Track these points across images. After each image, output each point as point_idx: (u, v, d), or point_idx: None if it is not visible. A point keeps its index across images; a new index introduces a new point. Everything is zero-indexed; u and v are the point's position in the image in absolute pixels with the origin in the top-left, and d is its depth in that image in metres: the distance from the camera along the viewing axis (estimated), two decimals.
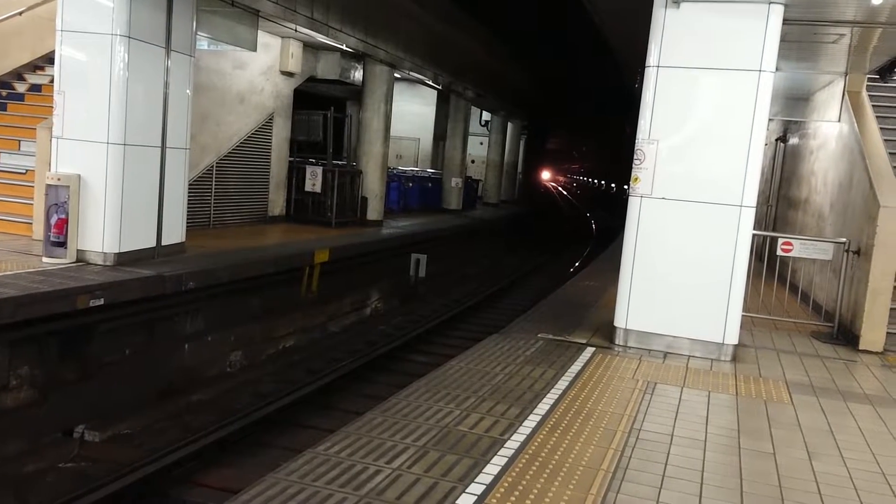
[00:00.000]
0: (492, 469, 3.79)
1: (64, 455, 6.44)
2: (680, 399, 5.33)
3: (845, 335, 7.62)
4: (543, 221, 35.83)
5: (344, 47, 13.94)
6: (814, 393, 5.78)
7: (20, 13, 10.96)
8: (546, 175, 58.49)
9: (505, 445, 4.12)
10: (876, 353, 7.20)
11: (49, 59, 10.89)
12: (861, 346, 7.27)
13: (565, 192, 75.19)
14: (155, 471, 5.92)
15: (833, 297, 7.93)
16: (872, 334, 7.26)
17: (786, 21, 6.29)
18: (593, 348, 6.58)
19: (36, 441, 6.46)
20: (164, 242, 8.76)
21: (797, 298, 9.00)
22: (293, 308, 10.59)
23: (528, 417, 4.63)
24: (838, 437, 4.79)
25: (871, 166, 7.71)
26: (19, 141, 9.94)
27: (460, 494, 3.47)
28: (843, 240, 7.73)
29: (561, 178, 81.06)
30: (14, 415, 6.50)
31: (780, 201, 12.94)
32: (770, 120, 12.53)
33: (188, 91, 9.02)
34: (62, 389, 6.95)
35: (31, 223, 8.98)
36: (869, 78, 9.55)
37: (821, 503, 3.77)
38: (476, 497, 3.46)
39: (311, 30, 12.35)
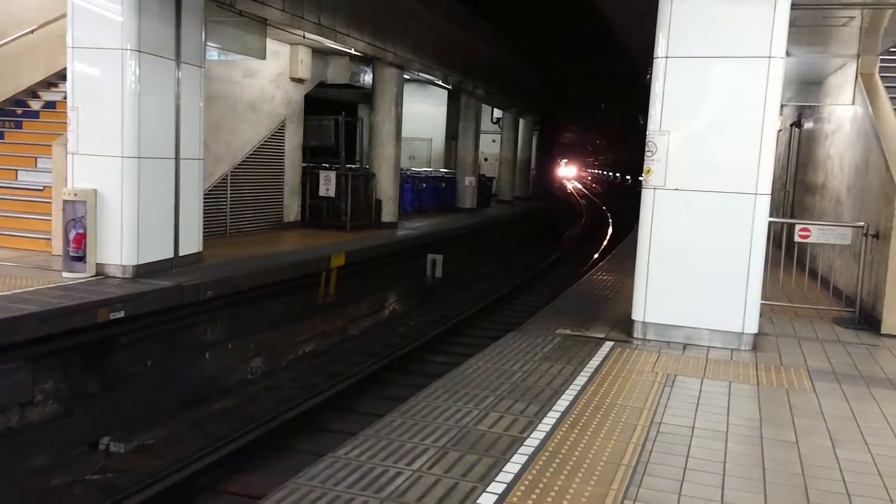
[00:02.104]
0: (512, 467, 3.79)
1: (90, 467, 6.51)
2: (700, 390, 5.30)
3: (867, 320, 7.55)
4: (559, 216, 35.74)
5: (352, 51, 13.98)
6: (836, 379, 5.73)
7: (32, 31, 11.11)
8: (560, 170, 58.32)
9: (525, 443, 4.12)
10: None
11: (62, 75, 11.01)
12: (883, 331, 7.20)
13: (580, 186, 74.96)
14: (180, 480, 5.98)
15: (853, 282, 7.86)
16: (894, 318, 7.18)
17: (794, 6, 6.23)
18: (612, 342, 6.56)
19: (62, 454, 6.54)
20: (181, 253, 8.84)
21: (817, 284, 8.91)
22: (312, 313, 10.64)
23: (548, 414, 4.63)
24: (862, 424, 4.75)
25: (887, 148, 7.63)
26: (36, 158, 10.07)
27: (481, 494, 3.48)
28: (862, 224, 7.65)
29: (575, 173, 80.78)
30: (40, 429, 6.59)
31: (796, 187, 12.83)
32: (783, 105, 12.49)
33: (200, 102, 9.09)
34: (86, 403, 7.04)
35: (49, 239, 9.09)
36: (882, 59, 9.45)
37: (845, 490, 3.74)
38: (497, 496, 3.46)
39: (319, 35, 12.41)
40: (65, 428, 6.75)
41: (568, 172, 71.66)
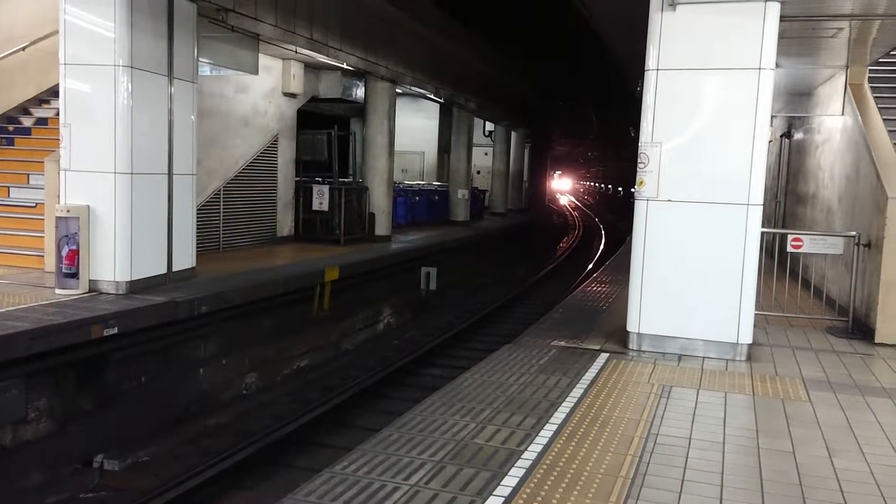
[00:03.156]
0: (510, 481, 3.78)
1: (85, 485, 6.46)
2: (696, 401, 5.30)
3: (860, 329, 7.57)
4: (552, 228, 35.82)
5: (345, 66, 14.03)
6: (831, 389, 5.74)
7: (23, 48, 11.09)
8: (552, 182, 58.52)
9: (522, 456, 4.11)
10: (892, 346, 7.14)
11: (54, 92, 11.00)
12: (877, 340, 7.22)
13: (573, 198, 75.16)
14: (175, 497, 5.94)
15: (846, 292, 7.89)
16: (887, 327, 7.20)
17: (783, 18, 6.29)
18: (607, 354, 6.56)
19: (56, 472, 6.48)
20: (174, 268, 8.82)
21: (810, 294, 8.95)
22: (306, 327, 10.61)
23: (545, 427, 4.62)
24: (857, 433, 4.76)
25: (877, 158, 7.68)
26: (28, 175, 10.04)
27: None
28: (853, 233, 7.68)
29: (568, 185, 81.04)
30: (34, 447, 6.54)
31: (788, 197, 12.90)
32: (774, 117, 12.56)
33: (192, 117, 9.10)
34: (80, 420, 6.99)
35: (42, 256, 9.06)
36: (871, 70, 9.53)
37: (842, 500, 3.74)
38: None
39: (312, 50, 12.45)
40: (58, 446, 6.70)
41: (560, 185, 71.85)
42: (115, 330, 7.07)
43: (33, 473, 6.33)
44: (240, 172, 12.66)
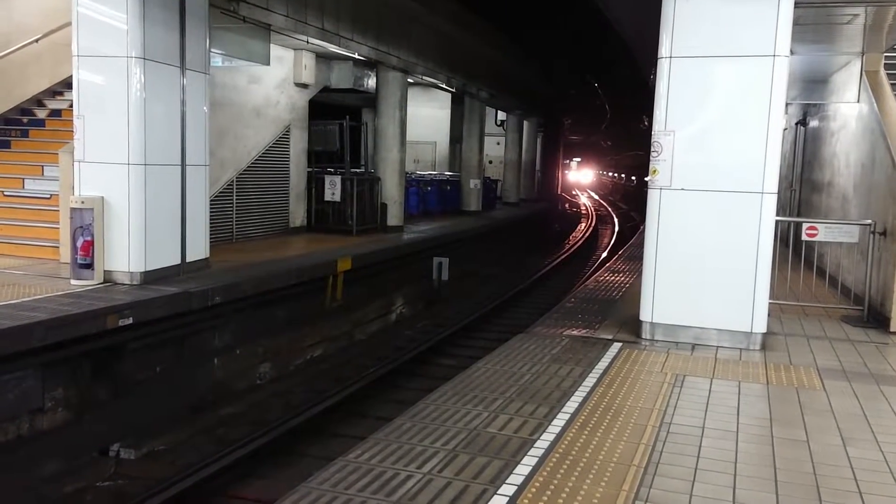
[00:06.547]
0: (522, 469, 3.79)
1: (101, 474, 6.53)
2: (710, 391, 5.29)
3: (876, 318, 7.52)
4: (564, 218, 35.74)
5: (356, 56, 14.01)
6: (846, 378, 5.71)
7: (37, 40, 11.14)
8: (565, 171, 58.32)
9: (535, 445, 4.12)
10: None
11: (67, 84, 11.04)
12: (892, 328, 7.17)
13: (587, 187, 74.93)
14: (190, 485, 5.99)
15: (862, 280, 7.83)
16: None
17: (797, 4, 6.23)
18: (620, 343, 6.55)
19: (73, 461, 6.55)
20: (188, 259, 8.86)
21: (825, 283, 8.90)
22: (319, 317, 10.65)
23: (557, 416, 4.63)
24: (872, 422, 4.74)
25: (893, 146, 7.60)
26: (42, 166, 10.10)
27: (492, 496, 3.48)
28: (869, 221, 7.62)
29: (581, 174, 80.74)
30: (51, 436, 6.61)
31: (803, 185, 12.80)
32: (788, 104, 12.45)
33: (205, 108, 9.12)
34: (96, 409, 7.06)
35: (57, 247, 9.13)
36: (886, 56, 9.43)
37: (857, 489, 3.73)
38: (508, 498, 3.47)
39: (323, 40, 12.43)
40: (75, 435, 6.77)
41: (574, 174, 71.63)
42: (130, 320, 7.12)
43: (50, 462, 6.40)
44: (252, 163, 12.70)
